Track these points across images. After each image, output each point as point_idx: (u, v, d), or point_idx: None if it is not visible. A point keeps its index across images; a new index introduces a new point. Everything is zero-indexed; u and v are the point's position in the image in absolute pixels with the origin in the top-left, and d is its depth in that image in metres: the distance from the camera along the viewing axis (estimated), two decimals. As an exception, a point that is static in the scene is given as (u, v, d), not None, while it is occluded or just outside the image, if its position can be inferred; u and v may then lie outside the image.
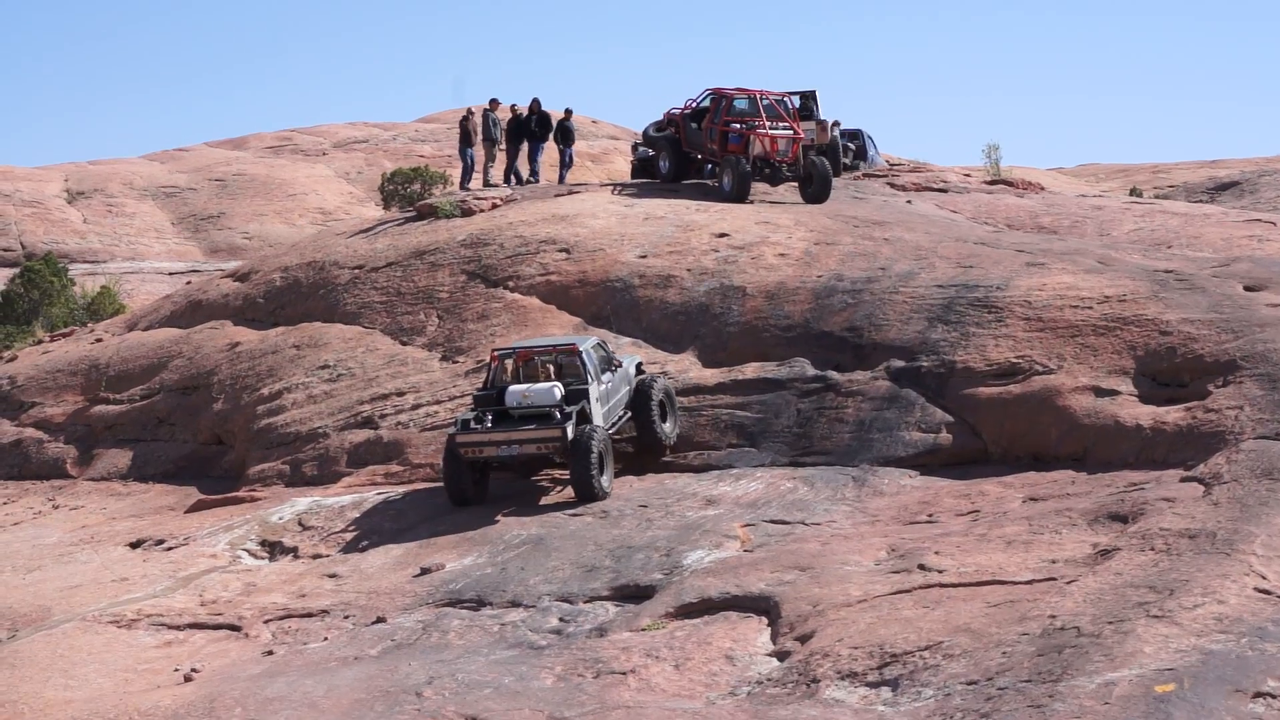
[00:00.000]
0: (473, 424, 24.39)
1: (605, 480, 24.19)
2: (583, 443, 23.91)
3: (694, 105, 38.11)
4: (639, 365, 27.16)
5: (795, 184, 36.66)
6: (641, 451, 26.08)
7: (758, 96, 37.28)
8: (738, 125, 36.64)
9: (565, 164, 40.72)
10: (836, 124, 42.33)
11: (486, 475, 25.07)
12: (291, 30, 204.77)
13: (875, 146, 47.89)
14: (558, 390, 24.62)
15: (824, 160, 36.72)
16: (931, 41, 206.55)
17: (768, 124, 36.57)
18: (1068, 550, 18.48)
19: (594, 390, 24.82)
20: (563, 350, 25.39)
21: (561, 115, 40.90)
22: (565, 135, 40.82)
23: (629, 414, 25.98)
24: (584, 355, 25.06)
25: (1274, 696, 13.46)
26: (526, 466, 25.37)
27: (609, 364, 25.73)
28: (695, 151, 37.91)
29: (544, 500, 24.82)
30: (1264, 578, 16.05)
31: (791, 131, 36.93)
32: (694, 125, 37.71)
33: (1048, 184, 48.80)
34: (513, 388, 24.96)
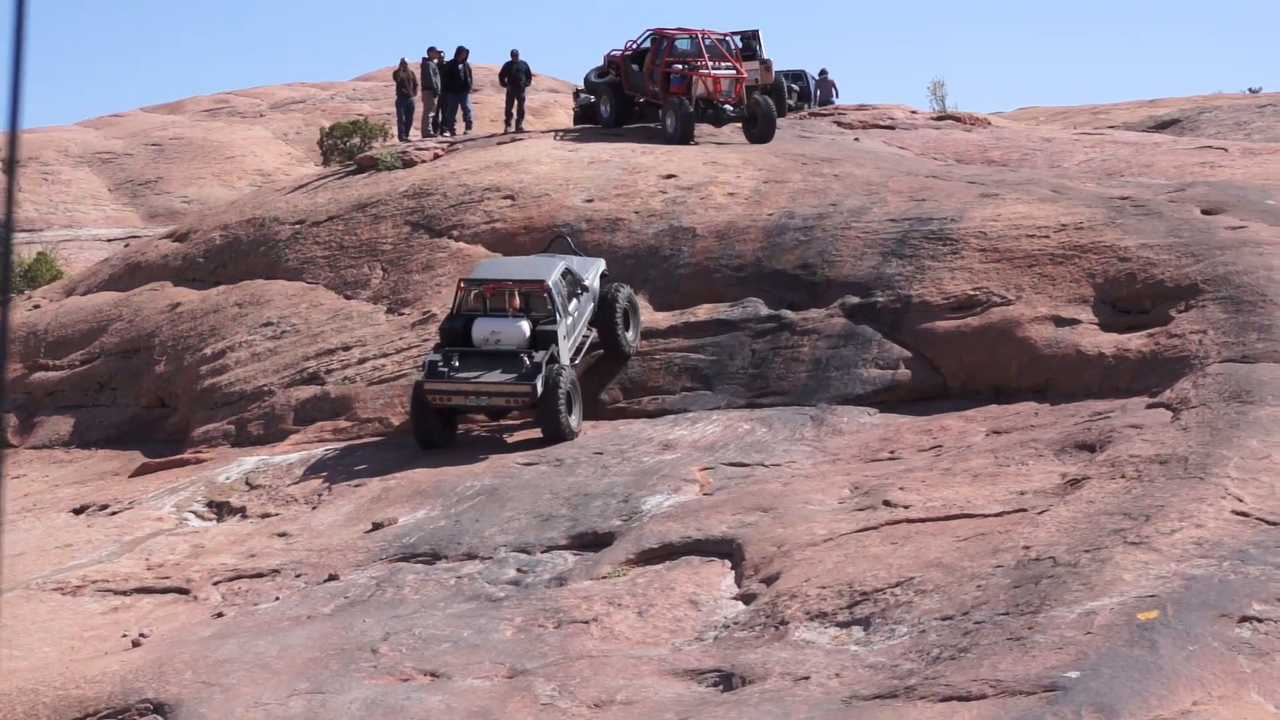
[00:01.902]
0: (439, 366, 24.06)
1: (574, 420, 24.06)
2: (551, 384, 23.73)
3: (634, 47, 37.26)
4: (603, 274, 26.89)
5: (739, 124, 36.05)
6: (606, 358, 26.14)
7: (700, 36, 36.55)
8: (680, 66, 35.94)
9: (519, 112, 39.62)
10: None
11: (455, 419, 24.81)
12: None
13: (836, 90, 47.49)
14: (525, 328, 24.40)
15: (768, 99, 36.09)
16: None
17: (710, 64, 35.90)
18: (1036, 481, 18.06)
19: (562, 328, 24.60)
20: (531, 284, 24.97)
21: (509, 59, 39.88)
22: (513, 79, 39.77)
23: (593, 330, 25.91)
24: (552, 291, 24.73)
25: (1260, 620, 13.01)
26: (495, 412, 25.01)
27: (576, 289, 25.49)
28: (637, 94, 37.07)
29: (511, 439, 24.57)
30: (1240, 500, 15.61)
31: (735, 71, 36.23)
32: (635, 67, 36.95)
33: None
34: (479, 323, 24.70)
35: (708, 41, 36.53)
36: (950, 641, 13.73)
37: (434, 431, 24.38)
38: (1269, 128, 47.93)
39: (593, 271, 26.62)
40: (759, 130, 35.37)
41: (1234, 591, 13.50)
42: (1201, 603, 13.30)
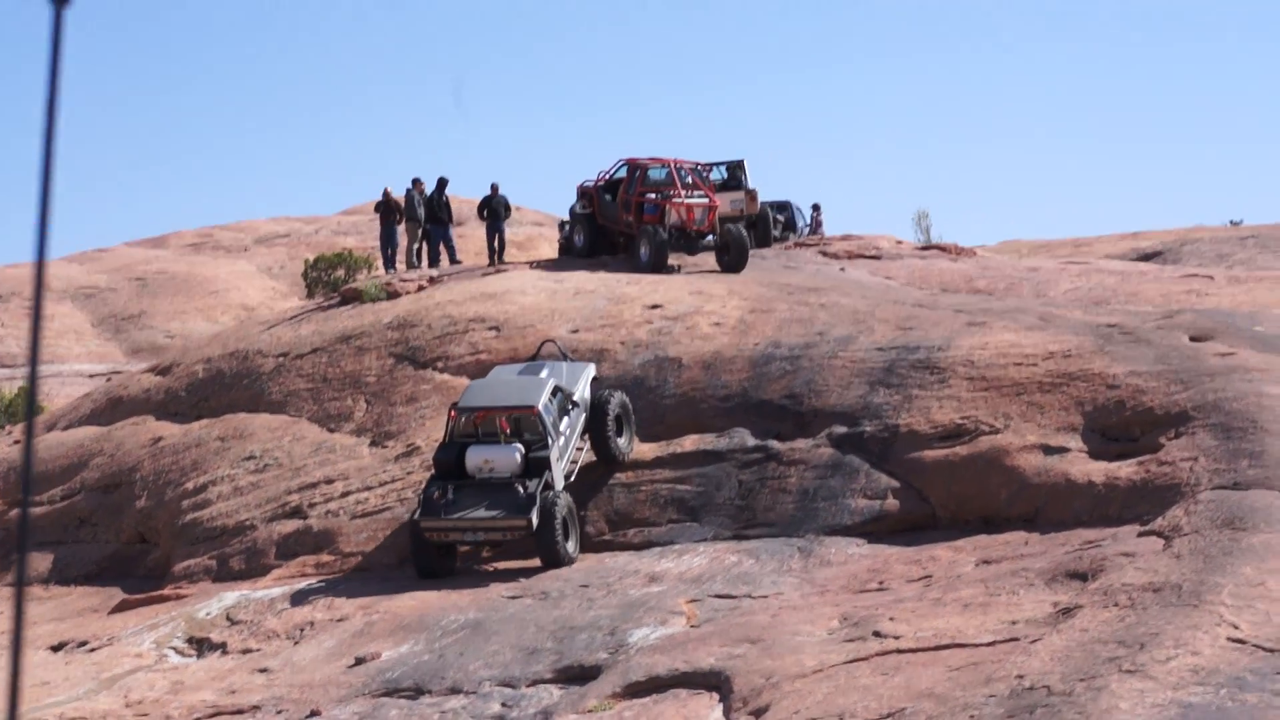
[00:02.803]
0: (435, 498, 24.15)
1: (570, 546, 24.06)
2: (547, 513, 23.75)
3: (607, 177, 37.31)
4: (593, 379, 27.06)
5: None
6: (598, 464, 26.14)
7: (673, 165, 36.66)
8: (653, 195, 35.99)
9: (500, 245, 39.51)
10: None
11: (453, 550, 24.79)
12: (210, 127, 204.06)
13: (803, 218, 47.56)
14: (518, 455, 24.47)
15: (740, 228, 36.01)
16: (855, 115, 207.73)
17: (683, 193, 36.00)
18: (1027, 610, 17.79)
19: (554, 451, 24.66)
20: (521, 410, 24.98)
21: (489, 192, 39.80)
22: (493, 212, 39.66)
23: (586, 439, 26.05)
24: (542, 415, 24.72)
25: (1260, 750, 12.74)
26: (493, 544, 25.02)
27: (567, 406, 25.53)
28: (611, 224, 37.08)
29: (499, 566, 24.64)
30: (1236, 627, 15.36)
31: (707, 200, 36.38)
32: (608, 198, 36.94)
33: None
34: (472, 451, 24.72)
35: (681, 170, 36.54)
36: (944, 774, 13.44)
37: (433, 562, 24.37)
38: (1251, 259, 47.99)
39: (583, 379, 26.75)
40: (731, 259, 35.23)
41: (1231, 719, 13.22)
42: (1200, 732, 13.03)
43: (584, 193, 37.73)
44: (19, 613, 4.97)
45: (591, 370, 27.40)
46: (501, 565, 24.72)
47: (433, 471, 25.34)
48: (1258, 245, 46.06)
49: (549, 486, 24.38)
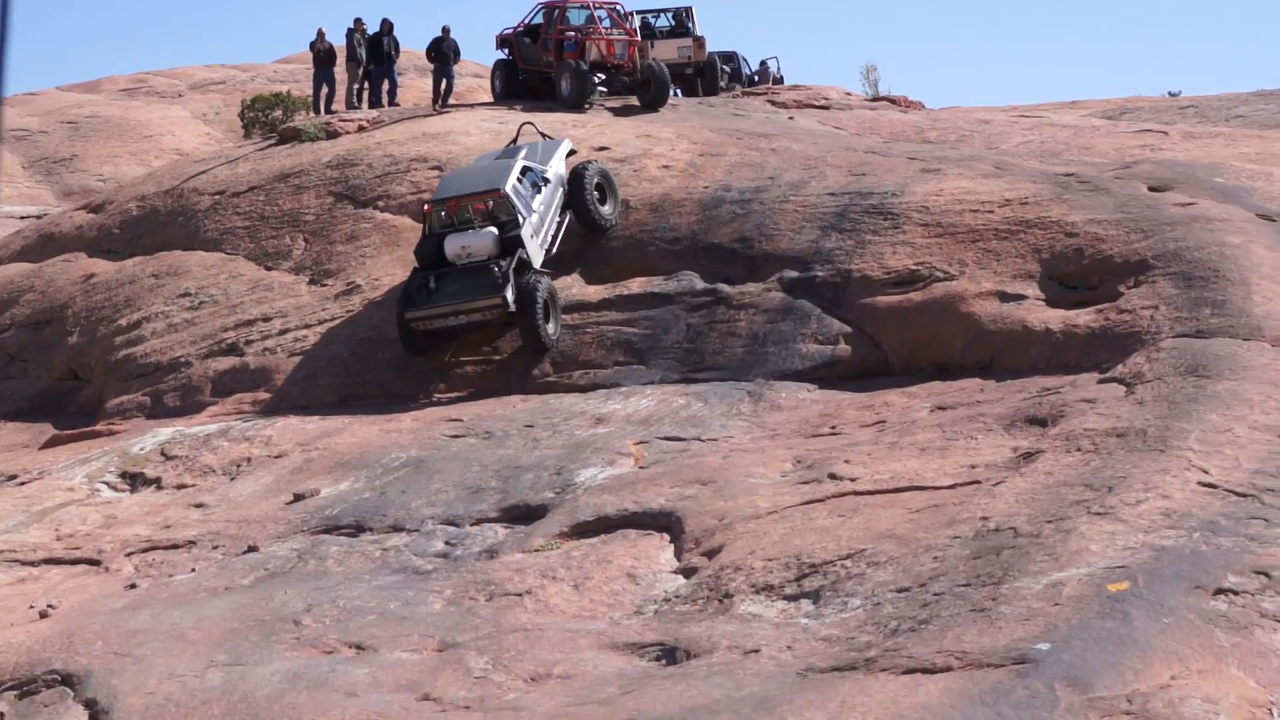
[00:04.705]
0: (416, 288, 24.88)
1: (552, 329, 24.62)
2: (528, 295, 24.31)
3: (527, 23, 37.38)
4: (570, 151, 27.89)
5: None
6: (585, 232, 27.02)
7: (591, 4, 36.80)
8: (572, 33, 36.18)
9: (447, 88, 38.62)
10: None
11: (440, 335, 25.37)
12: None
13: (749, 67, 47.11)
14: (493, 237, 25.04)
15: (661, 64, 35.88)
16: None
17: (603, 30, 36.18)
18: (986, 455, 17.36)
19: (527, 229, 25.28)
20: (487, 195, 25.51)
21: (439, 34, 38.83)
22: (441, 54, 38.68)
23: (567, 213, 26.75)
24: (510, 196, 25.33)
25: (1236, 593, 12.31)
26: (478, 326, 25.36)
27: (538, 183, 26.11)
28: (531, 68, 37.03)
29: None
30: (1206, 471, 14.93)
31: (627, 36, 36.48)
32: (528, 40, 37.05)
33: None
34: (450, 240, 25.33)
35: (600, 10, 36.70)
36: (909, 614, 12.99)
37: (421, 346, 25.33)
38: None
39: (558, 155, 27.45)
40: (652, 95, 35.21)
41: (1207, 563, 12.81)
42: (1174, 574, 12.61)
43: (503, 40, 37.67)
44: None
45: (567, 145, 28.11)
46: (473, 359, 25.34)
47: (416, 265, 25.80)
48: (1197, 115, 45.46)
49: (526, 264, 25.01)
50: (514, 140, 29.20)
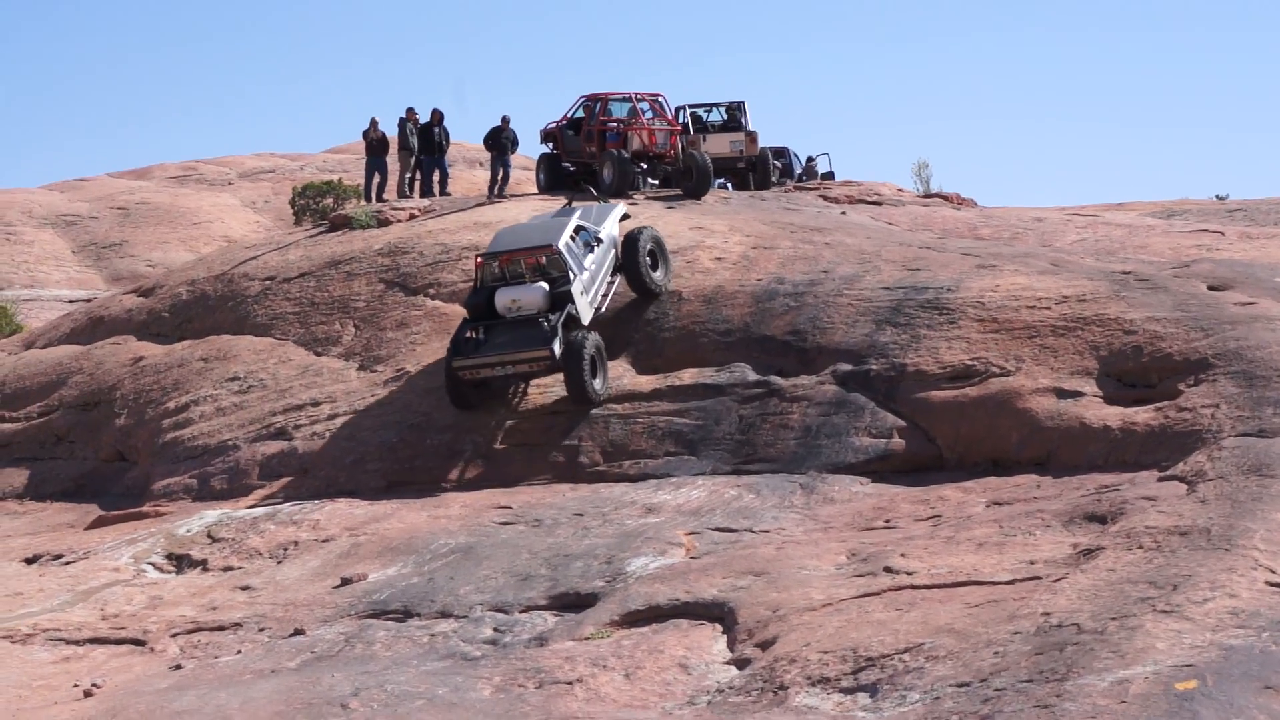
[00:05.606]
0: (466, 338, 25.28)
1: (599, 384, 24.90)
2: (575, 350, 24.50)
3: (570, 116, 37.76)
4: (624, 216, 28.17)
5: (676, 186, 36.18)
6: (638, 299, 27.39)
7: (633, 97, 37.15)
8: (614, 124, 36.45)
9: (503, 178, 38.52)
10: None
11: (486, 386, 25.74)
12: (195, 60, 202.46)
13: (800, 164, 47.12)
14: (543, 291, 25.40)
15: (704, 154, 36.00)
16: (857, 66, 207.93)
17: (645, 122, 36.55)
18: (1045, 551, 17.09)
19: (577, 286, 25.63)
20: (540, 250, 25.80)
21: (498, 124, 38.80)
22: (499, 144, 38.64)
23: (618, 276, 27.11)
24: (563, 253, 25.61)
25: (1308, 694, 12.04)
26: (525, 378, 25.76)
27: (591, 243, 26.42)
28: (574, 160, 37.44)
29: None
30: (1273, 571, 14.68)
31: (669, 126, 36.82)
32: (570, 133, 37.44)
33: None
34: (500, 293, 25.70)
35: (642, 103, 37.16)
36: (970, 709, 12.74)
37: (468, 397, 25.61)
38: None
39: (611, 217, 27.78)
40: (695, 184, 35.29)
41: (1277, 663, 12.54)
42: (1243, 674, 12.35)
43: (547, 134, 38.09)
44: None
45: (621, 208, 28.54)
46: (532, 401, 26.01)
47: (465, 316, 26.21)
48: (1246, 218, 45.21)
49: (574, 320, 25.43)
50: (569, 202, 29.76)
